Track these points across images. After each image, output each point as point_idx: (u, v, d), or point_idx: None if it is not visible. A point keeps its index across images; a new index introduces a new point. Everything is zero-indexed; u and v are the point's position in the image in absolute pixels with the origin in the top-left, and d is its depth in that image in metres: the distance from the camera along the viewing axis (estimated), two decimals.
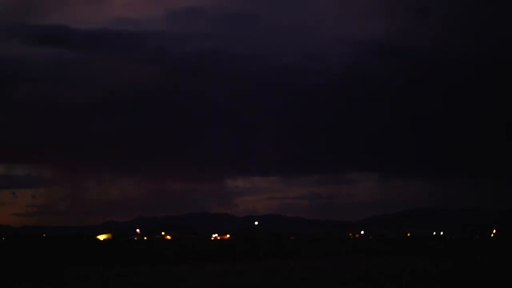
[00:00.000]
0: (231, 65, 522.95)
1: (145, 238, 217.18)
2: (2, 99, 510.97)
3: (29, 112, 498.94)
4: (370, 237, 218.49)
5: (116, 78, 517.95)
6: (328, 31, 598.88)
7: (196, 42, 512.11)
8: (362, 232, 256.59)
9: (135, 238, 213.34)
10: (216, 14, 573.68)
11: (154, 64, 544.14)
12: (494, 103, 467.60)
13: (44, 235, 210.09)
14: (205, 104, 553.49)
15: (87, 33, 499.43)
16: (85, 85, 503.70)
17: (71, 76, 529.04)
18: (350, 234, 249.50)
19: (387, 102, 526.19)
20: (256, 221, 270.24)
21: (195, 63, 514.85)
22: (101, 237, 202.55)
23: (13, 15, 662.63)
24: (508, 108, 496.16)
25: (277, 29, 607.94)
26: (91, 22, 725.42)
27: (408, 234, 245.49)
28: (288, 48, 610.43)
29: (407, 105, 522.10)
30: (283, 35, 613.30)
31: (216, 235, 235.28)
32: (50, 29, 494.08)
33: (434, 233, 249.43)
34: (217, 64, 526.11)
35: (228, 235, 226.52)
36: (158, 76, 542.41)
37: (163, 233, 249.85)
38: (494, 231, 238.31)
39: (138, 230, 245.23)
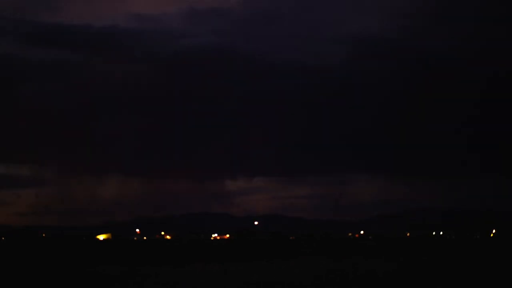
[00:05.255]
0: (232, 65, 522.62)
1: (145, 238, 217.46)
2: (3, 99, 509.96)
3: (30, 112, 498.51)
4: (370, 237, 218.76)
5: (116, 77, 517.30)
6: (329, 30, 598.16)
7: (199, 41, 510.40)
8: (362, 232, 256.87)
9: (135, 238, 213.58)
10: (232, 15, 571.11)
11: (155, 62, 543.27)
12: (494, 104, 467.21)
13: (43, 235, 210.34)
14: (206, 103, 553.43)
15: (93, 30, 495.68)
16: (86, 85, 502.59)
17: (72, 75, 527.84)
18: (350, 234, 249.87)
19: (387, 102, 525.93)
20: (256, 221, 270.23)
21: (195, 62, 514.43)
22: (101, 237, 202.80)
23: (15, 11, 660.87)
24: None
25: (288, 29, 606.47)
26: (106, 19, 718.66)
27: (408, 234, 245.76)
28: (290, 46, 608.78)
29: (407, 105, 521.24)
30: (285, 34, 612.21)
31: (216, 235, 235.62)
32: (54, 27, 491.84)
33: (434, 233, 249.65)
34: (218, 63, 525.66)
35: (228, 235, 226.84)
36: (158, 75, 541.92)
37: (163, 233, 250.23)
38: (494, 230, 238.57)
39: (138, 230, 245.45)
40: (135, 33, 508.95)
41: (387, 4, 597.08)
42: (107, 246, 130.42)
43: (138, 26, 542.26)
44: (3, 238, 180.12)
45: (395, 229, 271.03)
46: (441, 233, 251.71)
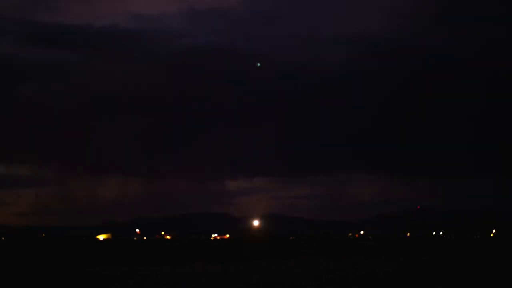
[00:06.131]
0: (230, 64, 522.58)
1: (145, 238, 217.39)
2: (3, 99, 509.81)
3: (30, 112, 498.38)
4: (370, 237, 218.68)
5: (116, 77, 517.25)
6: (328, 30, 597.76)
7: (199, 41, 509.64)
8: (362, 232, 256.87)
9: (135, 238, 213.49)
10: (232, 15, 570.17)
11: (155, 62, 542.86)
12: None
13: (43, 235, 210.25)
14: (206, 103, 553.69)
15: (93, 31, 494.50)
16: (86, 85, 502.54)
17: (72, 75, 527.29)
18: (350, 234, 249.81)
19: (387, 102, 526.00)
20: (256, 221, 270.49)
21: (195, 62, 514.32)
22: (101, 237, 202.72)
23: (15, 11, 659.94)
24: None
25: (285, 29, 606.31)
26: (106, 19, 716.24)
27: (408, 234, 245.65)
28: (290, 46, 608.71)
29: (407, 105, 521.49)
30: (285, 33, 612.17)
31: (216, 235, 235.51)
32: (54, 27, 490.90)
33: (434, 233, 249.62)
34: (218, 62, 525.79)
35: (228, 235, 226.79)
36: (158, 75, 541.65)
37: (163, 233, 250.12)
38: (494, 230, 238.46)
39: (138, 230, 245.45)
40: (135, 33, 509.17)
41: (387, 4, 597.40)
42: (107, 246, 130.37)
43: (138, 26, 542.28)
44: (3, 238, 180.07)
45: (395, 229, 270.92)
46: (441, 233, 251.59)
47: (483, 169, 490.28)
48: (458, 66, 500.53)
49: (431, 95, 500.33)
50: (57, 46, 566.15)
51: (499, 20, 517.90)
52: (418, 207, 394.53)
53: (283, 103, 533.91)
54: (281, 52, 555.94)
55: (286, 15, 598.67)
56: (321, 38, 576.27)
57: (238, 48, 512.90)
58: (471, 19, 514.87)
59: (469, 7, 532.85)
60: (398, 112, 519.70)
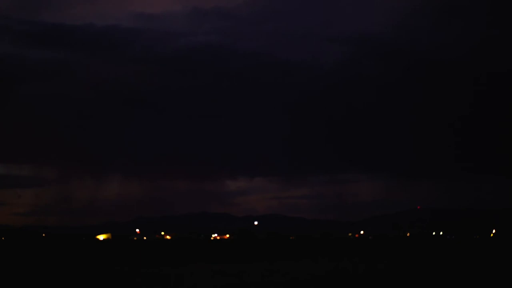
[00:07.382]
0: (230, 63, 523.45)
1: (145, 238, 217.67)
2: (3, 99, 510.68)
3: (30, 112, 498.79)
4: (370, 237, 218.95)
5: (116, 77, 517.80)
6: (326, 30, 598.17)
7: (200, 40, 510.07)
8: (362, 232, 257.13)
9: (135, 238, 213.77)
10: (234, 14, 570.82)
11: (155, 62, 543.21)
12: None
13: (43, 235, 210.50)
14: (206, 103, 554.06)
15: (95, 30, 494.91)
16: (86, 85, 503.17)
17: (72, 75, 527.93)
18: (350, 234, 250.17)
19: (387, 102, 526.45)
20: (256, 221, 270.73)
21: (195, 61, 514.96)
22: (101, 237, 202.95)
23: (15, 11, 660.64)
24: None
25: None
26: (108, 18, 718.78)
27: (408, 234, 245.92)
28: (290, 46, 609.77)
29: (407, 105, 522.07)
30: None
31: (216, 235, 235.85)
32: (54, 27, 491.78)
33: (434, 233, 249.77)
34: (216, 62, 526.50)
35: (228, 235, 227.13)
36: (158, 75, 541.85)
37: (163, 233, 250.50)
38: (494, 230, 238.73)
39: (137, 230, 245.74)
40: (136, 32, 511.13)
41: (387, 4, 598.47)
42: (107, 246, 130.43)
43: (140, 26, 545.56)
44: (3, 238, 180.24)
45: (395, 229, 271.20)
46: (441, 233, 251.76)
47: (483, 170, 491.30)
48: (457, 65, 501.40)
49: (431, 94, 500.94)
50: (57, 46, 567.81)
51: (498, 20, 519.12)
52: (418, 207, 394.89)
53: (282, 103, 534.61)
54: (281, 52, 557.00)
55: (286, 15, 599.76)
56: (321, 38, 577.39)
57: (239, 47, 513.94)
58: (471, 18, 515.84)
59: (469, 7, 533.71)
60: (398, 112, 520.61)
